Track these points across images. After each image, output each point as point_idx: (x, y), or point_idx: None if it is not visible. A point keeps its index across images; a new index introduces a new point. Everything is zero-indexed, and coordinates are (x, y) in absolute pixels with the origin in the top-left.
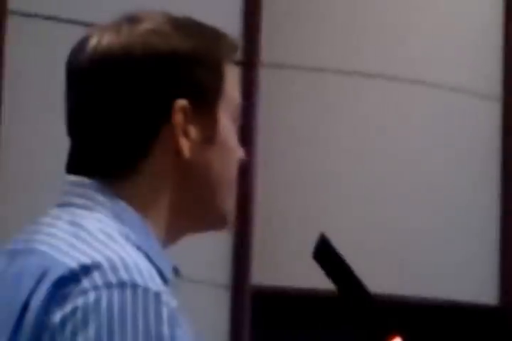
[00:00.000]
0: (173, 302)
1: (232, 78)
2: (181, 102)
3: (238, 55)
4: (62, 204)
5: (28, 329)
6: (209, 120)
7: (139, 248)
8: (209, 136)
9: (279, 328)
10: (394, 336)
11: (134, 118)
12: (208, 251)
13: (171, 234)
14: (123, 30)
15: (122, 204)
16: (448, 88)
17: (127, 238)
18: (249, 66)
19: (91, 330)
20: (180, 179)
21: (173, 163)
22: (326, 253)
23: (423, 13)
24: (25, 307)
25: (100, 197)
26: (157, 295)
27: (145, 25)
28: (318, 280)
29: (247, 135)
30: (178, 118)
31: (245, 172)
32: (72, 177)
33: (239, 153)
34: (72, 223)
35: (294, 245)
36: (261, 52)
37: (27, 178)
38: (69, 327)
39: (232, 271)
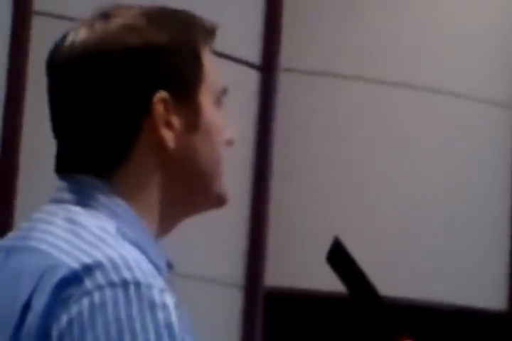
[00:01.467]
0: (173, 298)
1: (210, 62)
2: (160, 94)
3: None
4: (56, 201)
5: (32, 331)
6: (191, 108)
7: (135, 244)
8: (192, 123)
9: (292, 329)
10: (404, 339)
11: (114, 113)
12: (222, 251)
13: (165, 225)
14: (96, 27)
15: (117, 200)
16: (462, 96)
17: (124, 235)
18: (268, 70)
19: (99, 330)
20: (169, 169)
21: (159, 155)
22: (339, 256)
23: (441, 20)
24: (26, 308)
25: (94, 194)
26: (162, 291)
27: (118, 21)
28: (331, 282)
29: (264, 139)
30: (158, 109)
31: (261, 173)
32: (68, 174)
33: (227, 133)
34: (69, 220)
35: (308, 246)
36: (280, 56)
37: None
38: (77, 329)
39: (245, 272)
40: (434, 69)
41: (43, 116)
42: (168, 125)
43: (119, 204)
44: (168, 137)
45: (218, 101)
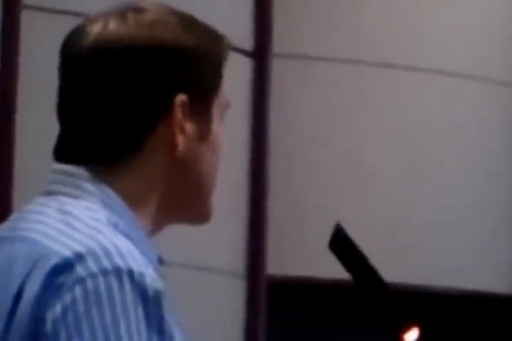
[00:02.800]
0: (162, 286)
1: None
2: (182, 97)
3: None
4: (49, 193)
5: (24, 319)
6: (205, 117)
7: (127, 236)
8: (203, 133)
9: (295, 318)
10: (411, 326)
11: (133, 109)
12: (224, 240)
13: (157, 225)
14: (129, 19)
15: (110, 193)
16: (463, 76)
17: (115, 226)
18: (261, 57)
19: (95, 318)
20: (172, 173)
21: (167, 158)
22: (341, 243)
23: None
24: (18, 296)
25: (88, 186)
26: (153, 280)
27: (151, 16)
28: (334, 269)
29: (259, 126)
30: (178, 113)
31: (259, 161)
32: (59, 166)
33: (223, 150)
34: (61, 210)
35: (310, 234)
36: (273, 42)
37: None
38: (72, 317)
39: (247, 261)
40: (435, 50)
41: (35, 110)
42: (182, 130)
43: (112, 197)
44: (181, 142)
45: (223, 117)
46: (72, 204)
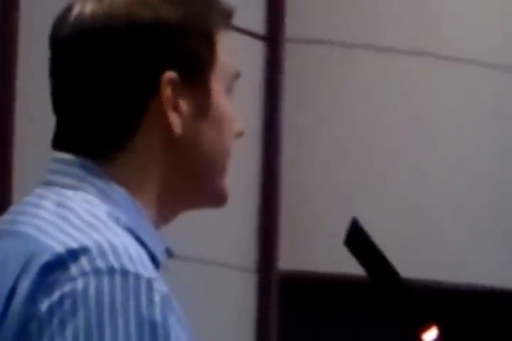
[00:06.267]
0: (165, 289)
1: (225, 46)
2: (169, 74)
3: (232, 21)
4: (48, 183)
5: (15, 317)
6: (201, 92)
7: (129, 230)
8: (201, 109)
9: (308, 314)
10: (429, 325)
11: (119, 92)
12: (234, 234)
13: (164, 214)
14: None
15: (112, 184)
16: (480, 64)
17: (117, 220)
18: (274, 41)
19: (80, 319)
20: (171, 156)
21: (164, 140)
22: (357, 239)
23: None
24: (11, 293)
25: (89, 177)
26: (149, 282)
27: None
28: (348, 265)
29: (271, 112)
30: (166, 91)
31: (270, 152)
32: (59, 155)
33: (236, 125)
34: (59, 204)
35: (324, 228)
36: (286, 26)
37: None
38: (57, 316)
39: (258, 255)
40: (452, 36)
41: (36, 99)
42: (176, 109)
43: (115, 188)
44: (175, 121)
45: (230, 88)
46: (70, 197)
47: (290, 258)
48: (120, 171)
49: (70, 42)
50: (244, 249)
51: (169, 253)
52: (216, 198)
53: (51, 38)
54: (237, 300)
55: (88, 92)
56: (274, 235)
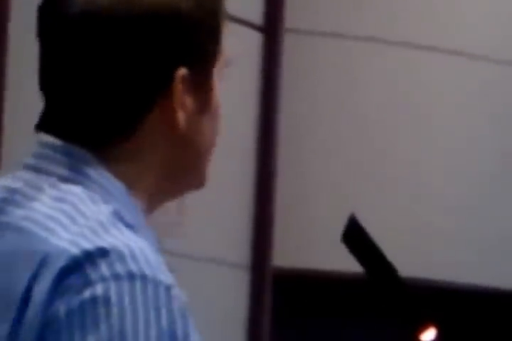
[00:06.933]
0: (183, 296)
1: (224, 39)
2: (182, 71)
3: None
4: (37, 170)
5: (32, 323)
6: (205, 89)
7: (131, 227)
8: (204, 105)
9: (301, 312)
10: (428, 325)
11: (130, 83)
12: (228, 230)
13: (152, 205)
14: None
15: (109, 177)
16: (485, 59)
17: (120, 218)
18: (272, 32)
19: (102, 330)
20: (171, 150)
21: (167, 135)
22: (355, 236)
23: None
24: (26, 298)
25: (88, 171)
26: (167, 290)
27: None
28: (343, 262)
29: (269, 105)
30: (178, 88)
31: (266, 146)
32: (51, 140)
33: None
34: (61, 200)
35: (319, 224)
36: (285, 17)
37: None
38: (77, 325)
39: (252, 252)
40: (457, 30)
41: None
42: (183, 105)
43: (112, 182)
44: (182, 117)
45: (221, 76)
46: (72, 193)
47: (285, 256)
48: (117, 163)
49: (81, 25)
50: (238, 245)
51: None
52: (200, 184)
53: (54, 14)
54: (230, 298)
55: (97, 77)
56: (268, 231)
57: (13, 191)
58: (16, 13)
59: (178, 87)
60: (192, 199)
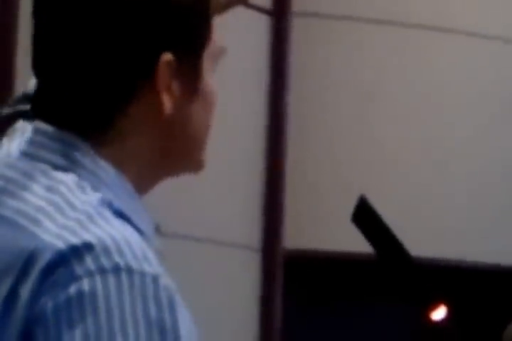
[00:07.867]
0: (172, 284)
1: (214, 21)
2: (167, 56)
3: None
4: (31, 157)
5: (18, 320)
6: (193, 73)
7: (120, 214)
8: (192, 90)
9: (313, 294)
10: (438, 303)
11: (113, 67)
12: (238, 212)
13: (143, 187)
14: None
15: (101, 164)
16: (499, 39)
17: (109, 205)
18: (280, 15)
19: (89, 324)
20: (160, 134)
21: (154, 119)
22: (365, 216)
23: None
24: (11, 296)
25: (79, 157)
26: (155, 279)
27: None
28: (354, 242)
29: (278, 88)
30: (163, 73)
31: (276, 130)
32: (43, 126)
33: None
34: (51, 189)
35: (329, 205)
36: (291, 0)
37: None
38: (64, 320)
39: (263, 234)
40: (467, 12)
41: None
42: (169, 90)
43: (104, 168)
44: (167, 102)
45: (215, 64)
46: (63, 182)
47: (295, 237)
48: (106, 147)
49: (68, 2)
50: (248, 227)
51: (157, 230)
52: (196, 168)
53: None
54: (241, 280)
55: (81, 58)
56: (278, 213)
57: (7, 180)
58: (24, 13)
59: (164, 71)
60: (203, 181)
